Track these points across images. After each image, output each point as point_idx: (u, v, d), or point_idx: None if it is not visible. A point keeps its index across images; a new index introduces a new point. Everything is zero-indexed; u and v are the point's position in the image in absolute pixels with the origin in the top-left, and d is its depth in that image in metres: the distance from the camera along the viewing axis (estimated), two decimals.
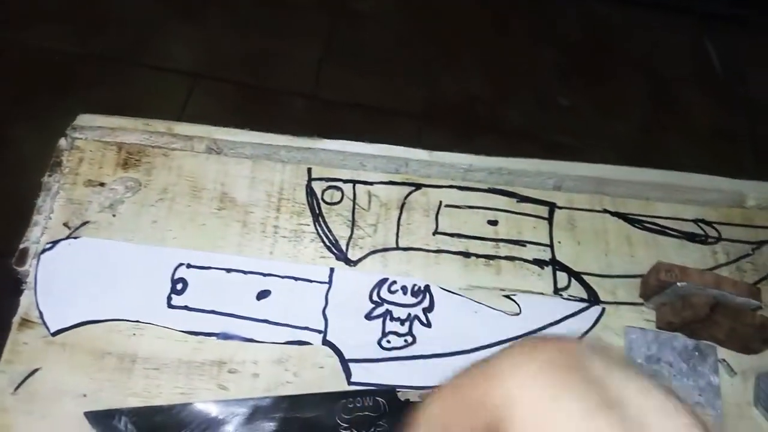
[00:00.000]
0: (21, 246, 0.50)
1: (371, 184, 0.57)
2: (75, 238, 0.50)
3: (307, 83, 1.60)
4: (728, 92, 1.73)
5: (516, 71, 1.69)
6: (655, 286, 0.50)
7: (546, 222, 0.57)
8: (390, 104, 1.57)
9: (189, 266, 0.50)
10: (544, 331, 0.51)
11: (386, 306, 0.51)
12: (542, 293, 0.53)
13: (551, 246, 0.55)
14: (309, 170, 0.57)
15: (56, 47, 1.54)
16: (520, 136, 1.59)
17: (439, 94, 1.63)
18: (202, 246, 0.52)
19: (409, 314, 0.51)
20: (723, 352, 0.51)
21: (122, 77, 1.55)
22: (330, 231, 0.54)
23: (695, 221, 0.57)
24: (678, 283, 0.49)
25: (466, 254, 0.54)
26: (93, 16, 1.62)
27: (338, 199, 0.56)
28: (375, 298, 0.51)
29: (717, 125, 1.65)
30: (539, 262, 0.54)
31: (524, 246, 0.55)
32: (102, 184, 0.54)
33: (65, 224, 0.51)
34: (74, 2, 1.63)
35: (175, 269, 0.50)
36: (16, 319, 0.48)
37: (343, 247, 0.54)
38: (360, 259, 0.53)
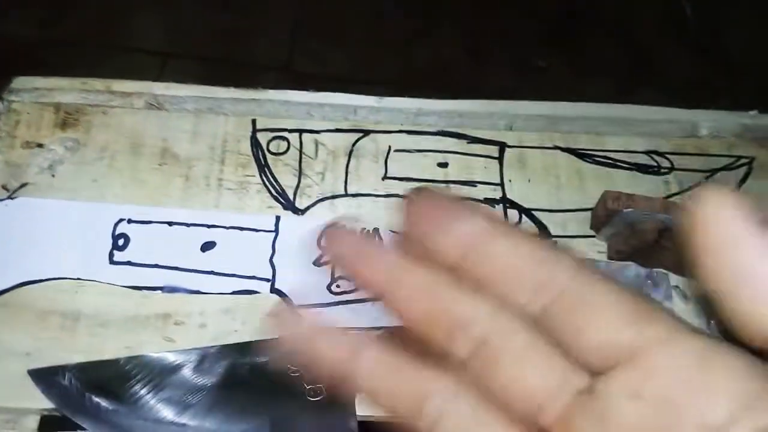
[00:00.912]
0: None
1: (318, 132, 0.56)
2: (12, 198, 0.50)
3: (281, 57, 1.58)
4: (704, 45, 1.71)
5: (492, 36, 1.67)
6: (603, 215, 0.50)
7: (497, 162, 0.56)
8: (366, 75, 1.55)
9: (130, 221, 0.50)
10: None
11: None
12: None
13: (502, 185, 0.55)
14: (253, 122, 0.56)
15: (19, 32, 1.51)
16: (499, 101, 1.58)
17: (415, 62, 1.61)
18: (145, 202, 0.51)
19: None
20: (676, 279, 0.51)
21: (90, 60, 1.53)
22: (276, 181, 0.53)
23: (647, 153, 0.57)
24: (624, 210, 0.48)
25: None
26: None
27: (284, 150, 0.55)
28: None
29: (695, 78, 1.64)
30: (490, 201, 0.54)
31: (475, 186, 0.55)
32: (40, 146, 0.53)
33: (3, 186, 0.51)
34: None
35: (116, 225, 0.49)
36: None
37: (291, 197, 0.53)
38: (308, 208, 0.53)
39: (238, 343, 0.46)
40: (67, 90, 0.55)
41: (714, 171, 0.56)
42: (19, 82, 0.55)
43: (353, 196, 0.54)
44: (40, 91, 0.54)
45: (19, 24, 1.55)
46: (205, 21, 1.63)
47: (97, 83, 0.55)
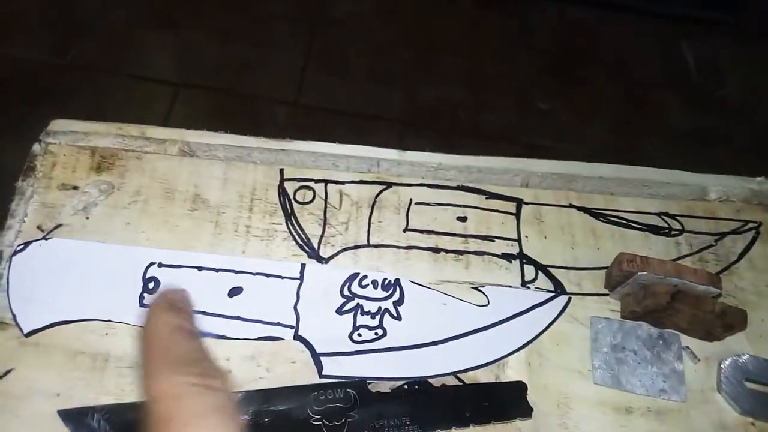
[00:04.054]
0: None
1: (343, 183, 0.58)
2: (46, 239, 0.51)
3: (289, 90, 1.61)
4: (704, 94, 1.76)
5: (494, 76, 1.71)
6: (618, 276, 0.52)
7: (514, 217, 0.58)
8: (371, 110, 1.59)
9: (160, 265, 0.51)
10: (512, 321, 0.52)
11: (357, 300, 0.52)
12: (510, 286, 0.54)
13: (519, 240, 0.57)
14: (281, 171, 0.58)
15: (33, 58, 1.54)
16: (500, 140, 1.61)
17: (419, 99, 1.64)
18: (175, 247, 0.53)
19: (380, 308, 0.52)
20: (687, 340, 0.53)
21: (102, 87, 1.56)
22: (302, 230, 0.55)
23: (659, 214, 0.59)
24: (639, 273, 0.50)
25: (436, 250, 0.56)
26: (70, 26, 1.62)
27: (310, 199, 0.57)
28: (346, 292, 0.52)
29: (694, 126, 1.68)
30: (507, 256, 0.56)
31: (493, 241, 0.57)
32: (75, 188, 0.54)
33: (39, 227, 0.52)
34: (51, 12, 1.63)
35: (147, 268, 0.51)
36: None
37: (315, 245, 0.55)
38: (331, 257, 0.54)
39: (262, 390, 0.47)
40: (103, 134, 0.57)
41: (723, 234, 0.58)
42: (57, 125, 0.57)
43: (375, 246, 0.55)
44: (76, 135, 0.56)
45: (31, 49, 1.58)
46: (216, 52, 1.66)
47: (132, 129, 0.57)
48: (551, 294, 0.54)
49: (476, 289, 0.54)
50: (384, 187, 0.58)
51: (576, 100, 1.69)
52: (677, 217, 0.59)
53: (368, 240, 0.55)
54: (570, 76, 1.74)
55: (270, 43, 1.67)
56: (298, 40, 1.69)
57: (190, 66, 1.63)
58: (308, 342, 0.50)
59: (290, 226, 0.55)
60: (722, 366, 0.52)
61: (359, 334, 0.51)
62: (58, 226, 0.52)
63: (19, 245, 0.51)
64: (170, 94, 1.58)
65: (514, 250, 0.56)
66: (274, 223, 0.55)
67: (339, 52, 1.69)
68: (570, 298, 0.54)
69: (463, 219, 0.58)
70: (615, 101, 1.71)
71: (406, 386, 0.49)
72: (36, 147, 0.56)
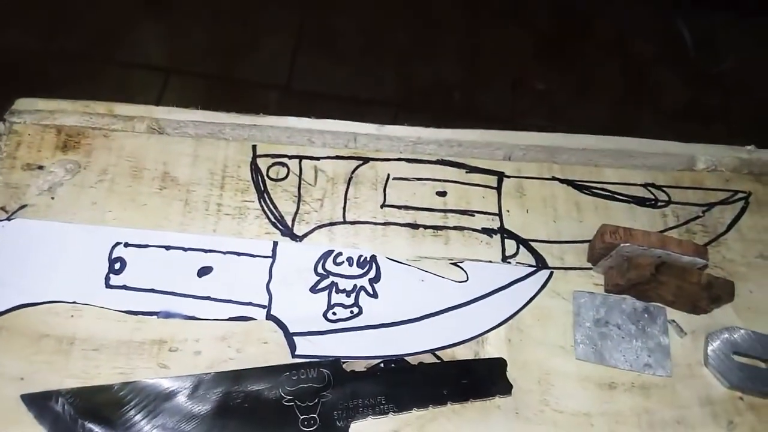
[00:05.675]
0: None
1: (317, 159, 0.56)
2: (10, 220, 0.50)
3: (281, 75, 1.59)
4: (701, 69, 1.73)
5: (490, 57, 1.68)
6: (601, 248, 0.50)
7: (495, 191, 0.56)
8: (365, 93, 1.56)
9: (127, 245, 0.50)
10: (492, 296, 0.50)
11: (332, 278, 0.50)
12: (490, 261, 0.52)
13: (500, 215, 0.55)
14: (254, 147, 0.56)
15: (21, 45, 1.52)
16: (497, 121, 1.59)
17: (414, 81, 1.62)
18: (144, 226, 0.51)
19: (355, 285, 0.50)
20: (672, 313, 0.51)
21: (92, 75, 1.53)
22: (275, 207, 0.53)
23: (644, 185, 0.57)
24: (622, 245, 0.48)
25: (414, 226, 0.54)
26: (58, 12, 1.60)
27: (284, 176, 0.55)
28: (320, 270, 0.51)
29: (691, 102, 1.66)
30: (488, 231, 0.54)
31: (473, 216, 0.55)
32: (41, 168, 0.53)
33: (2, 208, 0.50)
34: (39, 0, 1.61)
35: (113, 248, 0.49)
36: None
37: (289, 223, 0.53)
38: (306, 234, 0.53)
39: (232, 371, 0.46)
40: (69, 112, 0.55)
41: (711, 205, 0.56)
42: (21, 103, 0.55)
43: (351, 223, 0.54)
44: (42, 113, 0.55)
45: (22, 36, 1.56)
46: (206, 38, 1.64)
47: (99, 106, 0.55)
48: (533, 268, 0.52)
49: (455, 264, 0.52)
50: (361, 162, 0.56)
51: (573, 79, 1.66)
52: (664, 188, 0.57)
53: (344, 216, 0.54)
54: (566, 54, 1.71)
55: (261, 26, 1.65)
56: (291, 24, 1.66)
57: (181, 51, 1.60)
58: (281, 321, 0.49)
59: (263, 203, 0.53)
60: (709, 339, 0.50)
61: (334, 313, 0.49)
62: (23, 206, 0.51)
63: None
64: (161, 80, 1.56)
65: (495, 225, 0.54)
66: (246, 201, 0.53)
67: (332, 35, 1.66)
68: (552, 273, 0.52)
69: (442, 194, 0.56)
70: (611, 78, 1.68)
71: (381, 365, 0.47)
72: (0, 126, 0.54)
